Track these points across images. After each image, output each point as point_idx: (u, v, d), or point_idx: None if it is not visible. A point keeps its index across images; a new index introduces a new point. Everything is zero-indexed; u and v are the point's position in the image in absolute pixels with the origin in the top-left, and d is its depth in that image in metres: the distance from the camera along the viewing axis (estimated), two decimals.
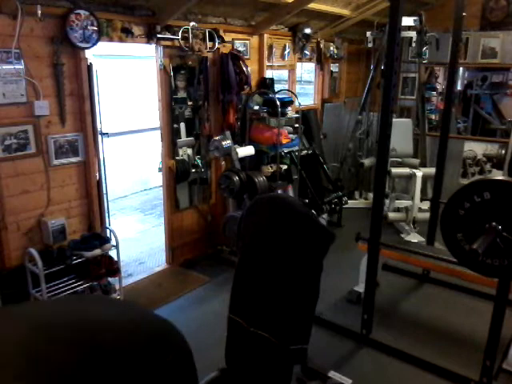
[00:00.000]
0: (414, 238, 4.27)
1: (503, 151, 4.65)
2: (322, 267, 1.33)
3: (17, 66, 2.50)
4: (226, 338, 1.78)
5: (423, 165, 4.74)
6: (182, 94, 3.58)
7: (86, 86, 2.86)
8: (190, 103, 3.65)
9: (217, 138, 3.66)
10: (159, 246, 4.00)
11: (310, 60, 5.03)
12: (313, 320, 1.41)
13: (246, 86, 3.91)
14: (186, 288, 3.42)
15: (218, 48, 3.70)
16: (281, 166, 4.03)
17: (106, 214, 3.27)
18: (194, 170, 3.75)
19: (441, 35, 4.69)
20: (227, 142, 3.60)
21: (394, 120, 2.56)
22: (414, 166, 4.59)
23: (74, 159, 2.86)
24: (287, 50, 4.58)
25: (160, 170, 3.63)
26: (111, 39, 2.98)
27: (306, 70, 5.23)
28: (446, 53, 3.69)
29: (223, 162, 3.97)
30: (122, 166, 5.41)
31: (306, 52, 4.83)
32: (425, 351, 2.63)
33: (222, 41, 3.71)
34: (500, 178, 2.08)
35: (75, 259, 2.67)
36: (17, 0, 2.38)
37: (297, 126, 4.26)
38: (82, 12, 2.69)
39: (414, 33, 4.59)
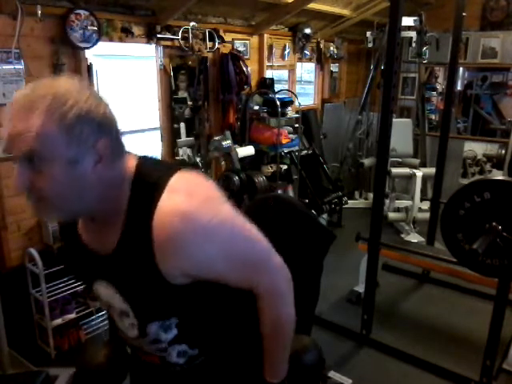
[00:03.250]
0: (414, 238, 4.27)
1: (503, 151, 4.65)
2: (322, 267, 1.33)
3: (17, 66, 2.50)
4: None
5: (423, 165, 4.73)
6: (182, 94, 3.58)
7: None
8: (189, 103, 3.65)
9: (217, 138, 3.65)
10: None
11: (310, 60, 5.03)
12: (313, 320, 1.41)
13: (245, 86, 3.91)
14: None
15: (218, 48, 3.69)
16: (281, 165, 4.03)
17: None
18: None
19: (441, 35, 4.69)
20: (227, 142, 3.60)
21: (393, 120, 2.56)
22: (414, 166, 4.58)
23: None
24: (287, 50, 4.58)
25: None
26: (111, 39, 2.98)
27: (306, 69, 5.23)
28: (446, 53, 3.68)
29: (223, 162, 3.96)
30: None
31: (306, 52, 4.83)
32: (425, 351, 2.63)
33: (222, 41, 3.71)
34: (500, 177, 2.08)
35: None
36: (17, 0, 2.38)
37: (297, 125, 4.26)
38: (82, 12, 2.69)
39: (414, 33, 4.58)
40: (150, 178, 0.84)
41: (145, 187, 0.83)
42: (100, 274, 0.94)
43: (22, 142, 0.76)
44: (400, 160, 4.74)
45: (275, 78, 4.43)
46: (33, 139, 0.75)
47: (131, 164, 0.87)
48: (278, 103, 3.80)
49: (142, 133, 5.84)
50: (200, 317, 0.99)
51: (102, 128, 0.79)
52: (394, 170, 4.47)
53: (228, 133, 3.79)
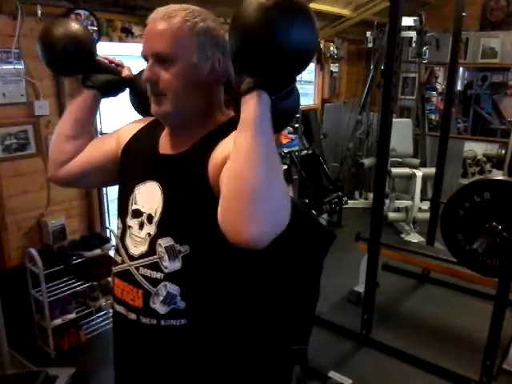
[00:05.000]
0: (414, 238, 4.27)
1: (503, 151, 4.65)
2: (322, 267, 1.33)
3: (17, 66, 2.50)
4: None
5: (423, 165, 4.74)
6: None
7: None
8: None
9: None
10: None
11: None
12: (313, 320, 1.41)
13: None
14: None
15: None
16: None
17: (106, 214, 3.26)
18: None
19: (441, 35, 4.69)
20: None
21: (393, 120, 2.56)
22: (414, 166, 4.59)
23: None
24: None
25: None
26: (111, 39, 2.98)
27: (306, 69, 5.22)
28: (446, 53, 3.68)
29: None
30: None
31: None
32: (425, 351, 2.63)
33: None
34: (500, 177, 2.08)
35: (75, 259, 2.67)
36: (17, 0, 2.38)
37: (297, 125, 4.26)
38: (82, 12, 2.69)
39: (414, 33, 4.59)
40: (233, 126, 0.91)
41: (227, 127, 0.96)
42: (155, 173, 1.02)
43: (160, 41, 0.92)
44: (400, 160, 4.74)
45: None
46: (169, 39, 0.91)
47: (230, 114, 1.05)
48: None
49: None
50: (206, 266, 0.96)
51: (219, 46, 0.96)
52: (394, 170, 4.47)
53: None
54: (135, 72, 1.19)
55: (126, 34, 3.03)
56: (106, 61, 1.17)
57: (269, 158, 0.77)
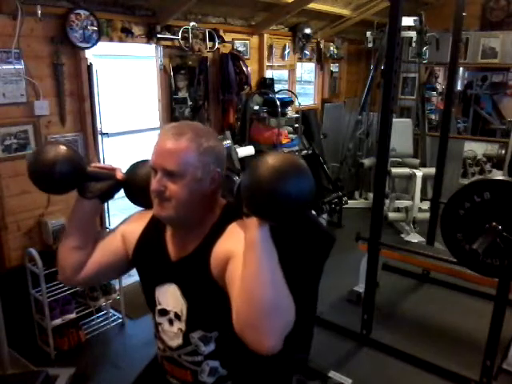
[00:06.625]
0: (414, 237, 4.26)
1: (503, 151, 4.66)
2: (322, 272, 1.32)
3: (17, 66, 2.50)
4: None
5: (423, 165, 4.73)
6: (182, 94, 3.59)
7: (86, 85, 2.86)
8: (190, 103, 3.65)
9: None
10: None
11: (310, 60, 5.03)
12: (313, 327, 1.39)
13: (245, 86, 3.91)
14: None
15: (218, 48, 3.69)
16: None
17: (106, 214, 3.27)
18: None
19: (441, 35, 4.69)
20: (227, 142, 3.60)
21: (393, 120, 2.56)
22: (414, 166, 4.58)
23: None
24: (287, 50, 4.58)
25: None
26: (111, 39, 2.98)
27: (306, 70, 5.23)
28: (446, 53, 3.68)
29: None
30: (122, 166, 5.40)
31: (306, 52, 4.83)
32: (425, 351, 2.63)
33: (222, 41, 3.71)
34: (500, 178, 2.08)
35: None
36: (17, 0, 2.38)
37: (297, 126, 4.26)
38: (82, 12, 2.69)
39: (414, 33, 4.59)
40: (227, 219, 1.12)
41: (223, 223, 1.12)
42: (170, 276, 1.14)
43: (170, 160, 1.02)
44: (400, 160, 4.74)
45: (275, 78, 4.43)
46: (179, 159, 1.02)
47: (222, 203, 1.17)
48: (278, 103, 3.80)
49: (142, 133, 5.85)
50: (236, 338, 0.97)
51: (218, 162, 1.09)
52: (394, 170, 4.47)
53: (228, 133, 3.78)
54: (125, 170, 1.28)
55: (126, 34, 3.03)
56: (97, 168, 1.25)
57: (274, 274, 0.90)
